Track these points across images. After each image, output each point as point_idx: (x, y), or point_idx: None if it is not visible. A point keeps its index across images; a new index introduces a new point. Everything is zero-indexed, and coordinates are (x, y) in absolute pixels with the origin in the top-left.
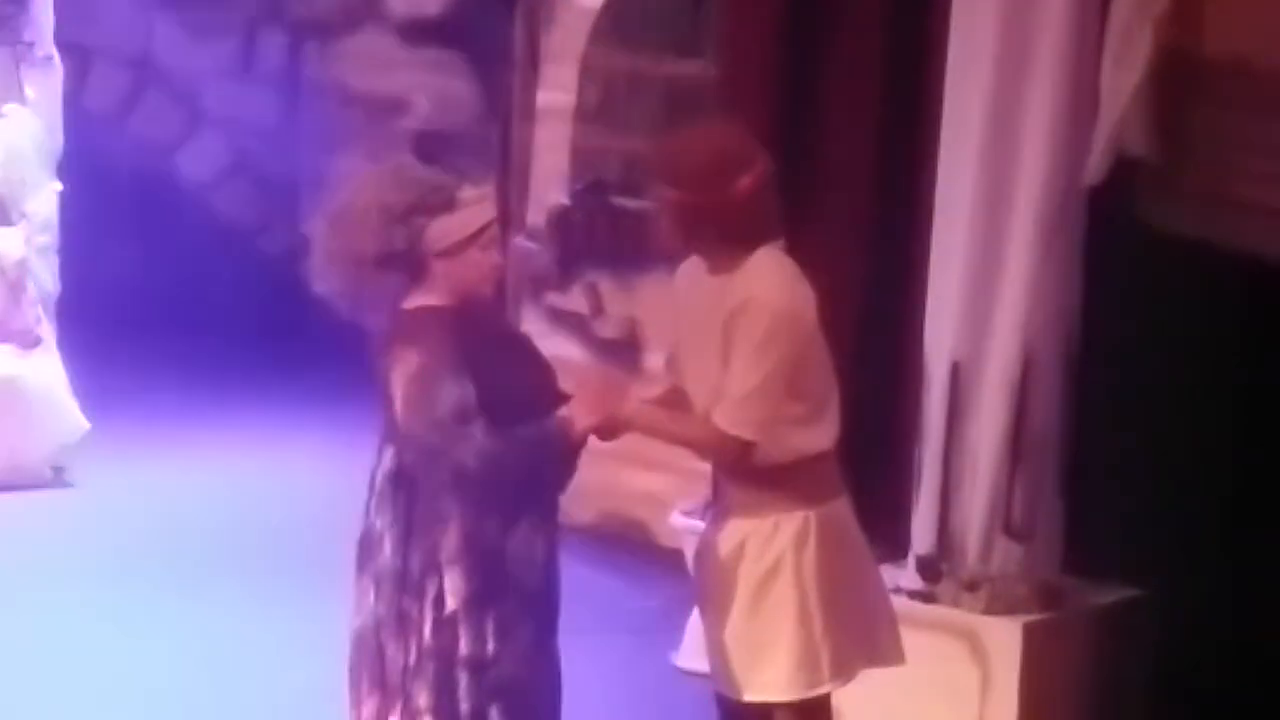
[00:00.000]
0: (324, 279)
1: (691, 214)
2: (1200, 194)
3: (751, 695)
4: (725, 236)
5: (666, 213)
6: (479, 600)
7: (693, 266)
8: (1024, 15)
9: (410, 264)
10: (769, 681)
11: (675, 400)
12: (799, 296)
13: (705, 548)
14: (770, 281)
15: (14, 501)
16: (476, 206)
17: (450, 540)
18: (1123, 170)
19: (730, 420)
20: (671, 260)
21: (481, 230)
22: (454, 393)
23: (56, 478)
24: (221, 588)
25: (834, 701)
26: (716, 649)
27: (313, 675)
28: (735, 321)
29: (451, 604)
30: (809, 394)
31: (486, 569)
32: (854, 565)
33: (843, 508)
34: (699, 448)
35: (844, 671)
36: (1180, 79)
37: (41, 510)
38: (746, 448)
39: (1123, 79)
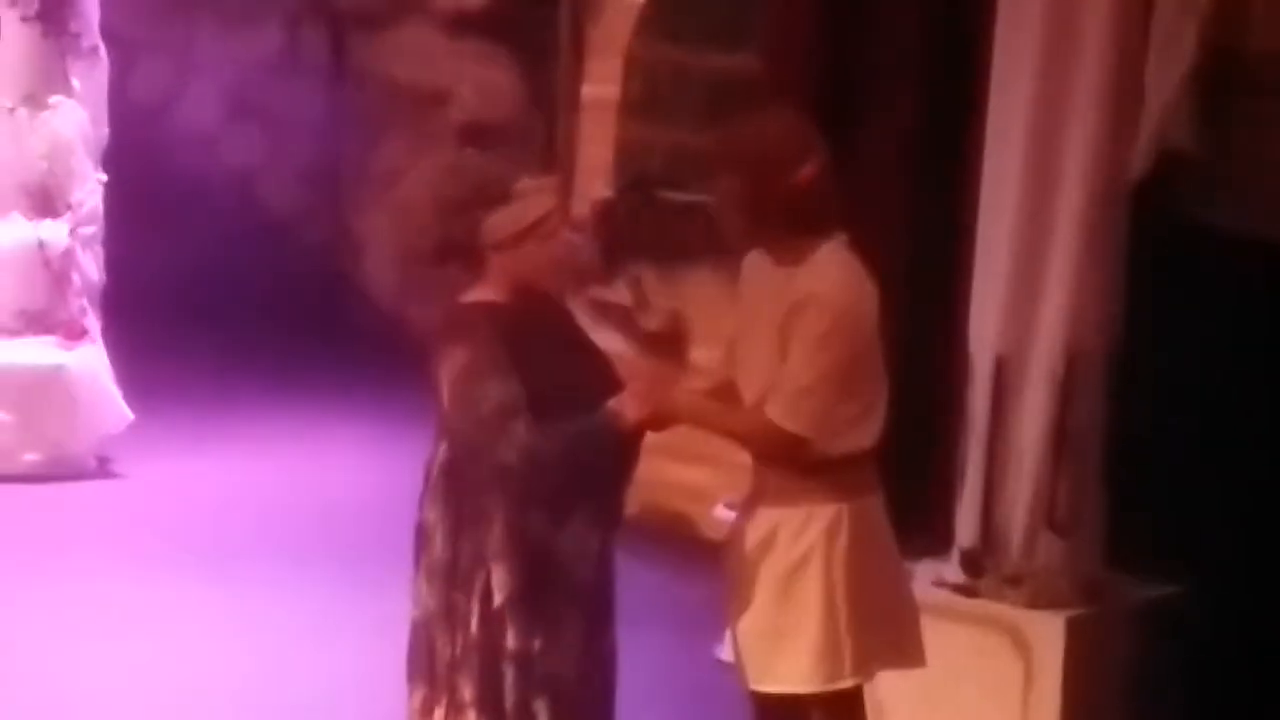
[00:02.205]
0: (382, 273)
1: (755, 204)
2: (1243, 188)
3: (770, 685)
4: (789, 226)
5: (730, 204)
6: (526, 595)
7: (758, 259)
8: (1069, 10)
9: (467, 256)
10: (789, 672)
11: (724, 394)
12: (864, 295)
13: (735, 535)
14: (836, 278)
15: (59, 492)
16: (534, 199)
17: (495, 536)
18: (1167, 164)
19: (785, 414)
20: (724, 254)
21: (539, 222)
22: (498, 391)
23: (101, 468)
24: (265, 576)
25: (877, 695)
26: (739, 637)
27: (358, 662)
28: (797, 316)
29: (498, 599)
30: (862, 393)
31: (534, 564)
32: (883, 563)
33: (876, 505)
34: (750, 440)
35: (865, 668)
36: (1224, 73)
37: (86, 500)
38: (798, 442)
39: (1167, 73)
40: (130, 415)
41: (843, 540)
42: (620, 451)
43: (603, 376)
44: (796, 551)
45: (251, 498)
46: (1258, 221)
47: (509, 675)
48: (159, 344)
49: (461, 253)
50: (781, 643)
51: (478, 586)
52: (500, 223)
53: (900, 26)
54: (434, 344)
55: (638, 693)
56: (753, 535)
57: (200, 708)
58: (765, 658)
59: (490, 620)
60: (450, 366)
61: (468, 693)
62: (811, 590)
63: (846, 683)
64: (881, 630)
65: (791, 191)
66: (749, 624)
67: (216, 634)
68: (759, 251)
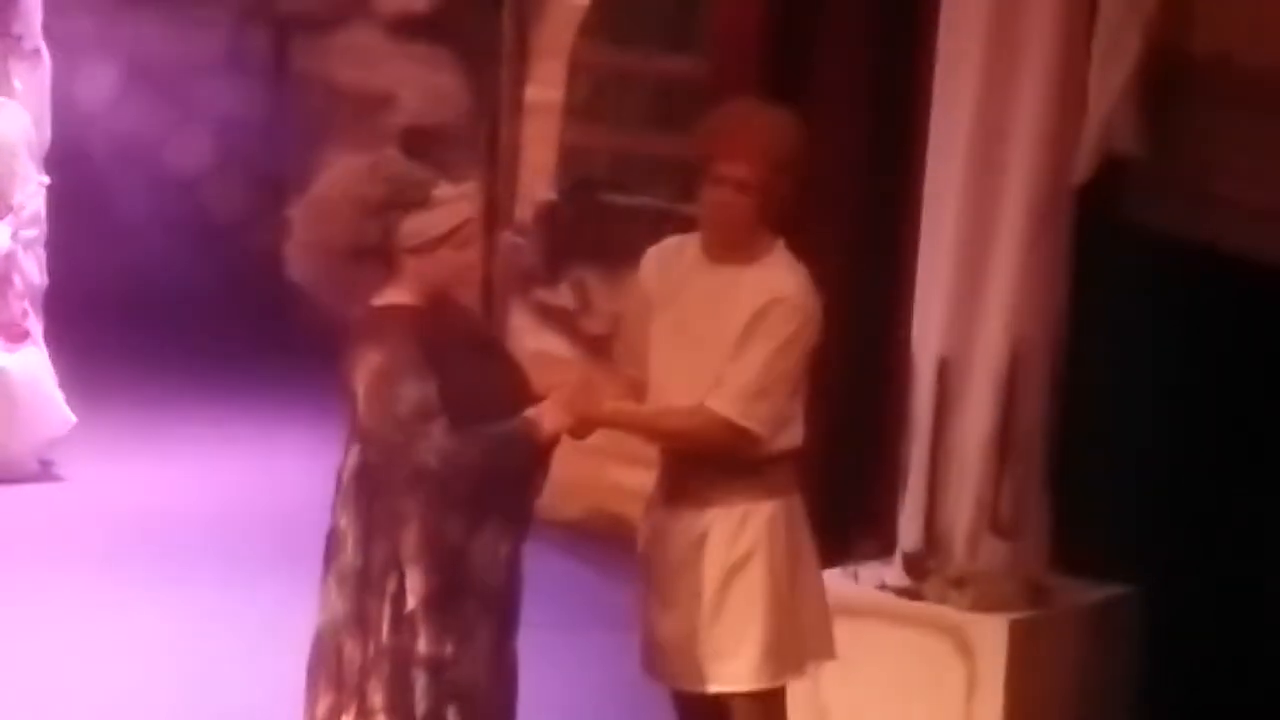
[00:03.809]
0: (298, 268)
1: (774, 195)
2: (1187, 192)
3: (714, 685)
4: (775, 222)
5: (745, 192)
6: (439, 600)
7: (672, 255)
8: (1013, 12)
9: (383, 258)
10: (735, 672)
11: (633, 391)
12: (817, 298)
13: (660, 538)
14: (799, 281)
15: (1, 495)
16: (452, 205)
17: (411, 539)
18: (1110, 168)
19: (739, 410)
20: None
21: (456, 230)
22: (414, 392)
23: (44, 471)
24: (208, 580)
25: (820, 698)
26: (675, 641)
27: (297, 666)
28: (765, 314)
29: (411, 602)
30: (801, 393)
31: (448, 569)
32: (808, 559)
33: (799, 504)
34: (692, 436)
35: (802, 664)
36: (1168, 77)
37: (29, 504)
38: (746, 437)
39: (1111, 76)
40: (73, 418)
41: (781, 538)
42: (533, 460)
43: (517, 386)
44: (737, 551)
45: (195, 501)
46: (1200, 226)
47: (420, 682)
48: (102, 347)
49: (377, 254)
50: (725, 643)
51: (390, 591)
52: (416, 228)
53: (844, 29)
54: (350, 346)
55: (579, 694)
56: (683, 537)
57: (143, 711)
58: (704, 659)
59: (402, 625)
60: (365, 368)
61: (378, 699)
62: (755, 589)
63: (788, 679)
64: (811, 626)
65: (803, 185)
66: (684, 626)
67: (159, 638)
68: (672, 247)
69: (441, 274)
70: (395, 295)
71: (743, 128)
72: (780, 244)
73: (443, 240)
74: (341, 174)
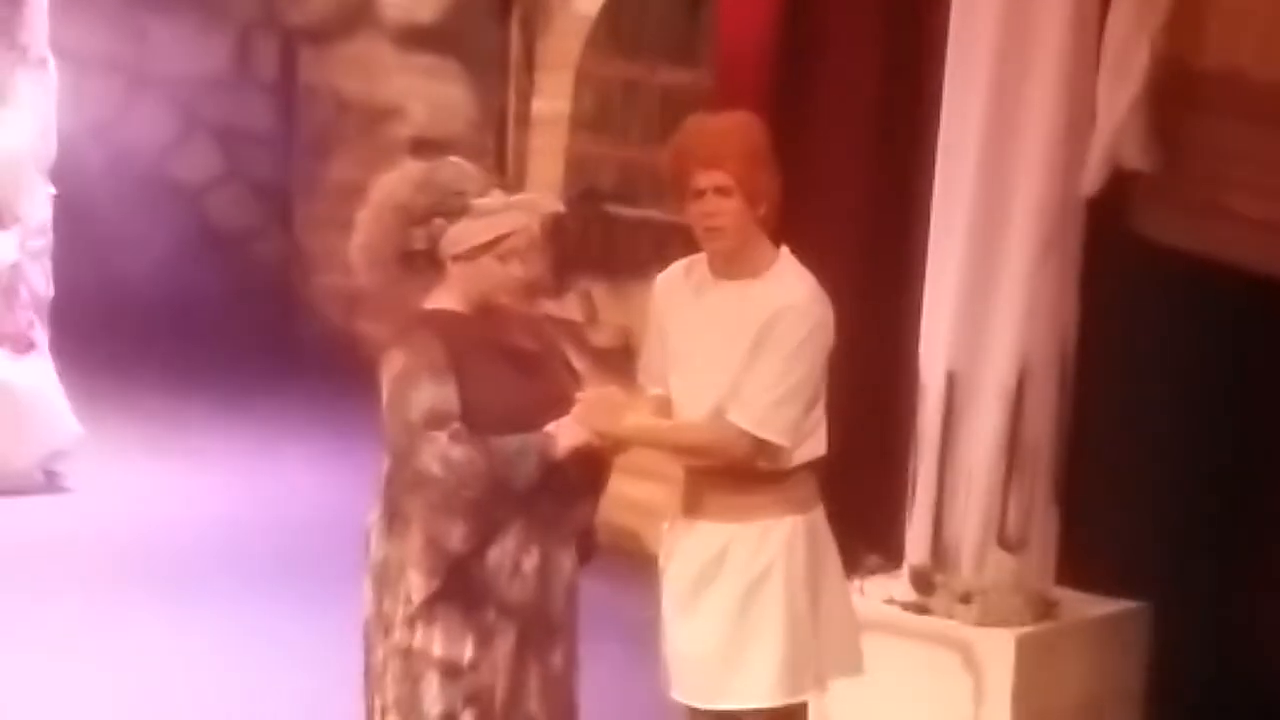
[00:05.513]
0: (356, 271)
1: (755, 192)
2: (1196, 206)
3: (730, 702)
4: (768, 225)
5: (728, 196)
6: (445, 603)
7: (681, 276)
8: (1022, 26)
9: (430, 265)
10: (750, 688)
11: (661, 411)
12: (828, 307)
13: (680, 552)
14: (807, 290)
15: (7, 505)
16: (499, 216)
17: (413, 541)
18: (1119, 182)
19: (758, 421)
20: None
21: (499, 240)
22: (429, 398)
23: (49, 482)
24: (214, 591)
25: (826, 713)
26: (693, 655)
27: (309, 677)
28: (774, 326)
29: (414, 604)
30: (819, 404)
31: (453, 573)
32: (832, 574)
33: (822, 517)
34: (713, 451)
35: (822, 680)
36: (1177, 91)
37: (34, 515)
38: (767, 448)
39: (1120, 91)
40: (79, 429)
41: (800, 553)
42: (548, 474)
43: (557, 399)
44: (756, 567)
45: (202, 512)
46: (1209, 239)
47: (434, 682)
48: (108, 358)
49: (426, 260)
50: (741, 658)
51: (402, 591)
52: (458, 236)
53: (851, 41)
54: (384, 347)
55: (587, 710)
56: (703, 552)
57: None
58: (721, 675)
59: (410, 624)
60: (389, 369)
61: (390, 694)
62: (772, 605)
63: (807, 695)
64: (833, 641)
65: (779, 190)
66: (702, 641)
67: (165, 649)
68: (685, 268)
69: (484, 282)
70: (442, 300)
71: (705, 136)
72: (785, 253)
73: (484, 249)
74: (394, 180)
